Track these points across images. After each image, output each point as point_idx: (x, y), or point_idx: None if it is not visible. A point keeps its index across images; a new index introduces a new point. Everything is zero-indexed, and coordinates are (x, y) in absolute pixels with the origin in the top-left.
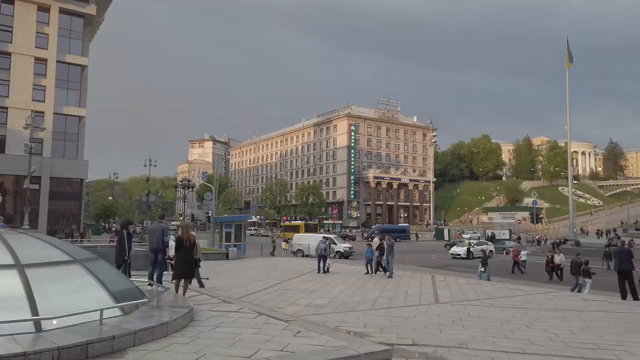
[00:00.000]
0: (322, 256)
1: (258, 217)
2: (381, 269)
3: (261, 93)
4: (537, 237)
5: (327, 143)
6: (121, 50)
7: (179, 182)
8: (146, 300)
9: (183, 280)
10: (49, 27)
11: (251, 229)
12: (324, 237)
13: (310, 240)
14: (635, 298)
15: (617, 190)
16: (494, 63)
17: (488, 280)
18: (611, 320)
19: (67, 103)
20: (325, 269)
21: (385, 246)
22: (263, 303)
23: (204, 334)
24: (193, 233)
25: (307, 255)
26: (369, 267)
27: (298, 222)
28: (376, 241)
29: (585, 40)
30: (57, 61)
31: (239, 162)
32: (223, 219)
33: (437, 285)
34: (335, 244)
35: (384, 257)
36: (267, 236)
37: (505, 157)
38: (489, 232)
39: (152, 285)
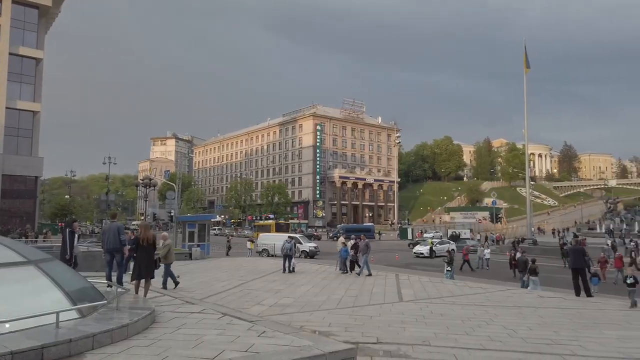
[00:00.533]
0: (288, 256)
1: (222, 216)
2: (357, 267)
3: (226, 91)
4: (496, 236)
5: (292, 142)
6: (79, 44)
7: (140, 181)
8: (105, 302)
9: (144, 280)
10: (1, 18)
11: (215, 229)
12: (289, 237)
13: (275, 240)
14: (589, 295)
15: (571, 191)
16: (457, 66)
17: (452, 279)
18: (566, 316)
19: (20, 97)
20: (291, 269)
21: (361, 245)
22: (227, 303)
23: (166, 335)
24: (154, 232)
25: (272, 255)
26: (345, 266)
27: (269, 222)
28: (351, 242)
29: (543, 47)
30: (10, 53)
31: (202, 160)
32: (186, 218)
33: (401, 284)
34: (300, 243)
35: (360, 255)
36: (232, 236)
37: (467, 158)
38: (454, 232)
39: (111, 286)
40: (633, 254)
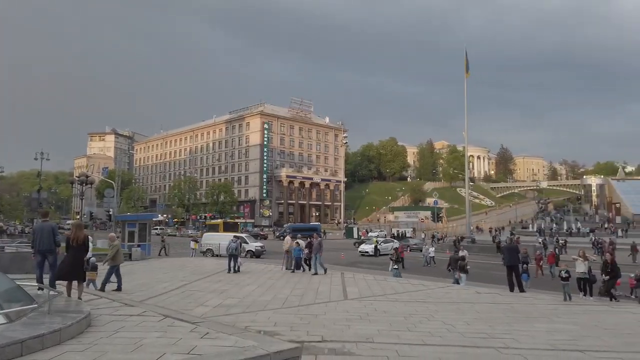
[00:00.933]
0: (233, 255)
1: (165, 215)
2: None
3: (170, 87)
4: (440, 235)
5: (239, 140)
6: (14, 34)
7: (76, 178)
8: (36, 305)
9: (77, 283)
10: None
11: (157, 228)
12: (234, 236)
13: (220, 240)
14: (521, 290)
15: (507, 192)
16: (402, 69)
17: (399, 277)
18: (501, 311)
19: None
20: (236, 269)
21: (315, 244)
22: (169, 305)
23: (102, 340)
24: (86, 233)
25: (217, 255)
26: (298, 265)
27: (218, 221)
28: (299, 242)
29: (483, 54)
30: None
31: (144, 157)
32: (126, 217)
33: (346, 282)
34: (246, 243)
35: (313, 255)
36: (175, 235)
37: (410, 159)
38: (400, 231)
39: (42, 289)
40: (556, 250)
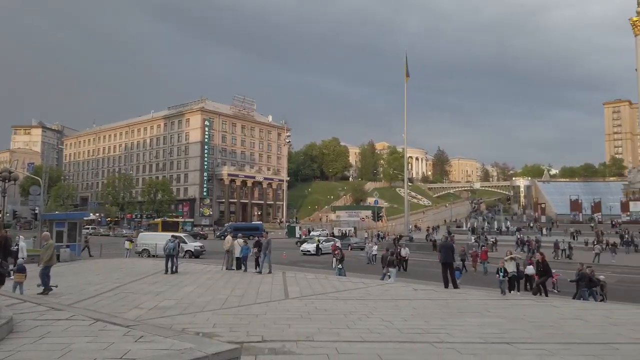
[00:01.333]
0: (171, 255)
1: (97, 214)
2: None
3: (104, 79)
4: (384, 233)
5: (178, 137)
6: None
7: None
8: None
9: None
10: None
11: (89, 228)
12: (172, 236)
13: (157, 239)
14: (455, 286)
15: (443, 192)
16: (345, 70)
17: (344, 276)
18: (436, 307)
19: None
20: (174, 269)
21: (263, 243)
22: (101, 308)
23: (26, 346)
24: (5, 232)
25: (154, 256)
26: (245, 265)
27: (158, 220)
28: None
29: (423, 58)
30: None
31: (75, 153)
32: (54, 216)
33: (287, 282)
34: (185, 242)
35: (261, 253)
36: (108, 235)
37: (352, 159)
38: (342, 230)
39: None
40: (483, 248)
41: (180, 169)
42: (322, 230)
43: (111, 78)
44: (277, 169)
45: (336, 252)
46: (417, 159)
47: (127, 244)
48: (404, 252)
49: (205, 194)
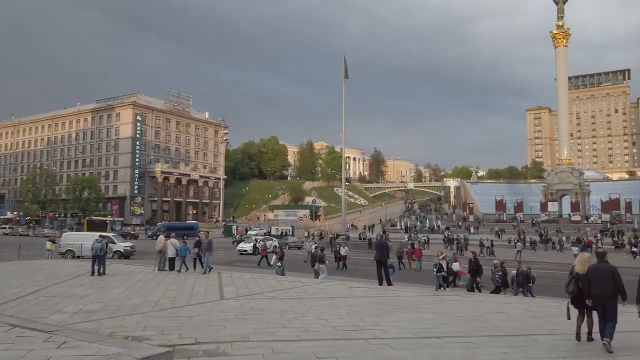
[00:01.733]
0: (98, 256)
1: (15, 213)
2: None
3: (24, 68)
4: (324, 232)
5: (108, 132)
6: None
7: None
8: None
9: None
10: None
11: (5, 227)
12: (100, 236)
13: (83, 239)
14: (389, 284)
15: (379, 192)
16: (286, 68)
17: (283, 275)
18: (371, 304)
19: None
20: (101, 271)
21: (204, 243)
22: (19, 313)
23: None
24: None
25: (79, 257)
26: (184, 265)
27: (96, 219)
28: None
29: (361, 60)
30: None
31: None
32: None
33: (223, 282)
34: (114, 242)
35: (203, 253)
36: (28, 235)
37: (291, 158)
38: (281, 229)
39: None
40: (413, 245)
41: (109, 166)
42: (260, 229)
43: (33, 67)
44: (214, 167)
45: (264, 252)
46: (354, 159)
47: (48, 245)
48: (344, 250)
49: (136, 192)
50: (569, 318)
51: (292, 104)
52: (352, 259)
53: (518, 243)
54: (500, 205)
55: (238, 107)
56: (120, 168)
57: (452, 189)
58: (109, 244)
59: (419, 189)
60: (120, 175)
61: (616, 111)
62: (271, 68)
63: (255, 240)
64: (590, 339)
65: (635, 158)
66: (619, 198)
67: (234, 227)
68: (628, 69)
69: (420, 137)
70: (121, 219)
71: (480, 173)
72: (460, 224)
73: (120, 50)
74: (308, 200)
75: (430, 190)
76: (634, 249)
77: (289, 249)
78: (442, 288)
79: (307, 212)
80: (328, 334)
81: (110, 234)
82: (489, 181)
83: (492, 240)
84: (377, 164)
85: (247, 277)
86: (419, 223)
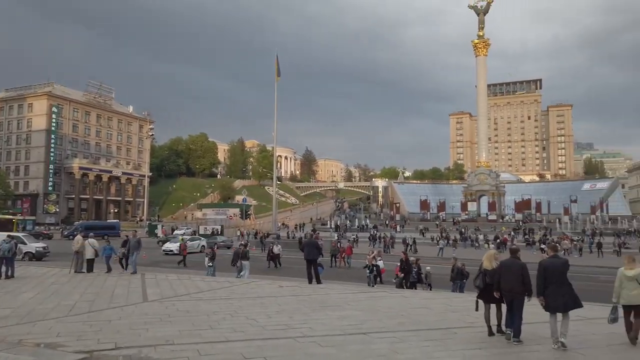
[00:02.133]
0: (6, 258)
1: None
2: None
3: None
4: (243, 232)
5: (18, 124)
6: None
7: None
8: None
9: None
10: None
11: None
12: (8, 236)
13: None
14: (319, 282)
15: (310, 191)
16: (216, 64)
17: (213, 276)
18: (300, 302)
19: None
20: (10, 274)
21: (132, 242)
22: None
23: None
24: None
25: None
26: (107, 266)
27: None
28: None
29: (295, 59)
30: None
31: None
32: None
33: (146, 283)
34: (24, 243)
35: (131, 253)
36: None
37: (221, 156)
38: (209, 228)
39: None
40: (340, 243)
41: (19, 160)
42: (187, 228)
43: None
44: (138, 163)
45: (185, 252)
46: (286, 158)
47: None
48: (277, 249)
49: (51, 188)
50: (477, 310)
51: (224, 101)
52: (283, 258)
53: (440, 241)
54: (424, 204)
55: (166, 102)
56: (32, 163)
57: (380, 189)
58: (19, 245)
59: (349, 188)
60: (32, 171)
61: (529, 118)
62: (202, 63)
63: (182, 240)
64: (500, 330)
65: (545, 162)
66: (531, 199)
67: (158, 227)
68: (540, 79)
69: (352, 137)
70: (33, 217)
71: (407, 174)
72: (387, 222)
73: (31, 34)
74: (238, 198)
75: (360, 190)
76: (543, 246)
77: (217, 248)
78: (373, 285)
79: (237, 210)
80: (256, 333)
81: (20, 234)
82: (414, 182)
83: (414, 238)
84: (308, 164)
85: (172, 278)
86: (348, 222)
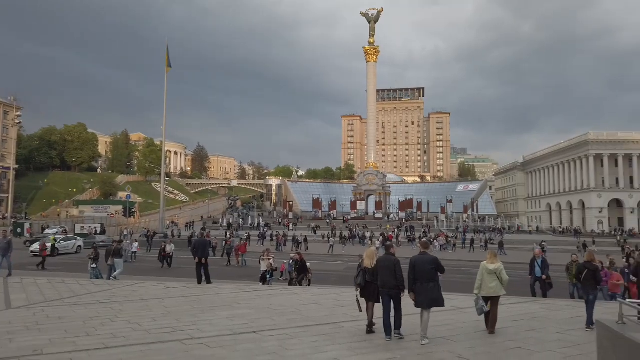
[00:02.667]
0: None
1: None
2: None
3: None
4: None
5: None
6: None
7: None
8: None
9: None
10: None
11: None
12: None
13: None
14: (209, 282)
15: (201, 188)
16: (101, 50)
17: (99, 278)
18: (188, 303)
19: None
20: None
21: (2, 243)
22: None
23: None
24: None
25: None
26: None
27: None
28: None
29: (184, 53)
30: None
31: None
32: None
33: (10, 288)
34: None
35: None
36: None
37: (102, 149)
38: (87, 227)
39: None
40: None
41: None
42: (61, 227)
43: None
44: (2, 154)
45: (44, 253)
46: (176, 153)
47: None
48: (169, 248)
49: None
50: (360, 310)
51: (107, 90)
52: (174, 258)
53: (331, 238)
54: (316, 203)
55: (38, 88)
56: None
57: (274, 187)
58: None
59: (243, 186)
60: None
61: (413, 123)
62: (83, 48)
63: (54, 240)
64: (371, 331)
65: (426, 164)
66: (413, 199)
67: (26, 225)
68: (423, 87)
69: (246, 135)
70: None
71: (301, 173)
72: (280, 221)
73: None
74: (122, 195)
75: (254, 188)
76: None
77: (96, 248)
78: (268, 284)
79: (119, 208)
80: (140, 338)
81: None
82: (307, 180)
83: (305, 236)
84: (200, 160)
85: (42, 282)
86: (241, 220)
